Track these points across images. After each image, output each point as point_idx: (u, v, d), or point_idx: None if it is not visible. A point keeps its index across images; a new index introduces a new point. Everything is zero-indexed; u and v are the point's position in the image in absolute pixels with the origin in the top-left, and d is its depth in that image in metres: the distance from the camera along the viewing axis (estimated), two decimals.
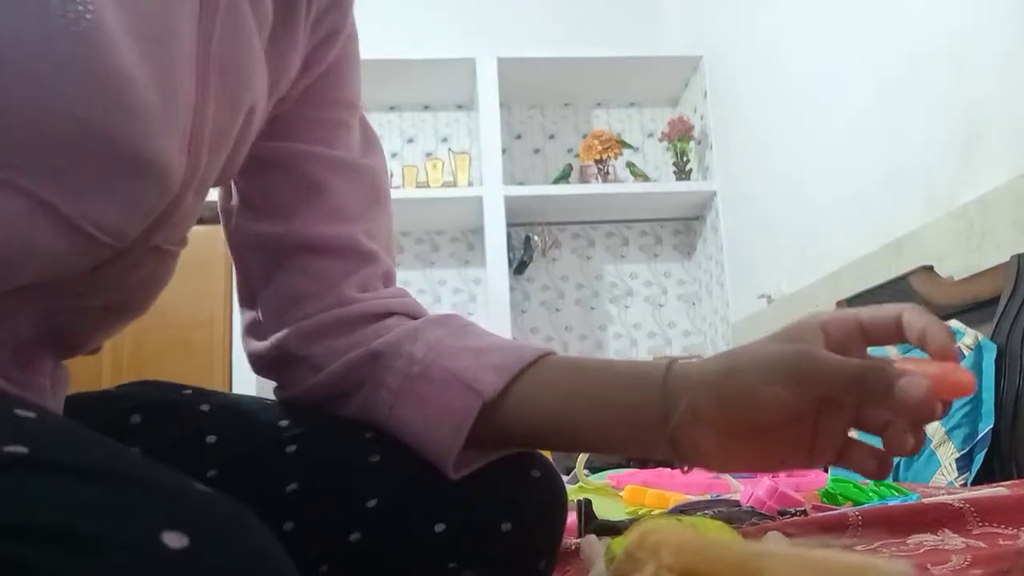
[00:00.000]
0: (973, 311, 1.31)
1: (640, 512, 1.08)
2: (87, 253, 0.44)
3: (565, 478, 1.36)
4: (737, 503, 0.99)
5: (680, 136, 2.96)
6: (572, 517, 0.86)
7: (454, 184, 2.91)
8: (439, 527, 0.54)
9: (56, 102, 0.40)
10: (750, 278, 2.62)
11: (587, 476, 1.39)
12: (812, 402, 0.43)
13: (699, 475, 1.45)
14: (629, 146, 3.12)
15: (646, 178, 3.06)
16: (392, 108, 3.15)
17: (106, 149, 0.42)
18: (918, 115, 1.72)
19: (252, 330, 0.64)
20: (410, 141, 3.19)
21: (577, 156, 3.10)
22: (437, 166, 2.93)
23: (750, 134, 2.60)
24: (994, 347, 1.17)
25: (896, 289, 1.54)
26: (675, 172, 2.99)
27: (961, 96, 1.58)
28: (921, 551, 0.62)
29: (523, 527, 0.55)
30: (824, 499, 1.01)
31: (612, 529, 0.80)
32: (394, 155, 3.12)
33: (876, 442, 0.44)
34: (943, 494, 0.87)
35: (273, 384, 0.64)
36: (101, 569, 0.25)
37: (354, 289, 0.60)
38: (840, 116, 1.99)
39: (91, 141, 0.41)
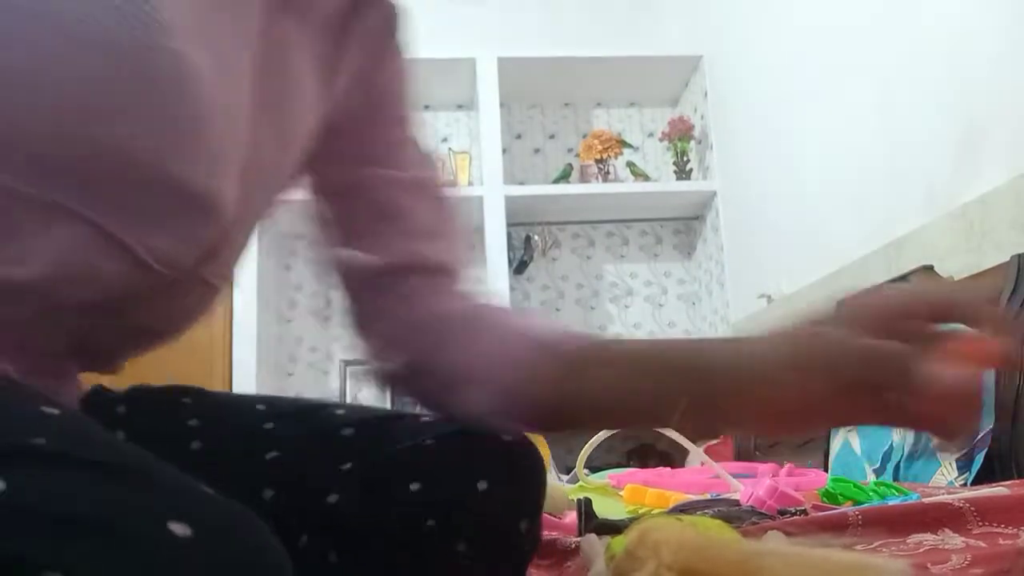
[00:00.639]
0: None
1: (640, 511, 1.08)
2: (142, 280, 0.47)
3: (565, 477, 1.36)
4: (737, 502, 0.99)
5: (680, 136, 2.95)
6: (572, 516, 0.86)
7: (454, 184, 2.91)
8: (414, 486, 0.54)
9: (132, 141, 0.43)
10: (750, 278, 2.62)
11: (587, 475, 1.39)
12: (836, 383, 0.42)
13: (699, 475, 1.45)
14: (629, 146, 3.11)
15: (646, 178, 3.06)
16: None
17: (169, 186, 0.46)
18: (918, 115, 1.72)
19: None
20: None
21: (577, 156, 3.09)
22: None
23: (750, 134, 2.60)
24: None
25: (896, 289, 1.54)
26: (675, 172, 2.99)
27: (961, 96, 1.58)
28: (921, 551, 0.62)
29: (499, 486, 0.55)
30: (824, 499, 1.01)
31: (612, 528, 0.80)
32: None
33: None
34: (943, 494, 0.87)
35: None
36: (114, 553, 0.27)
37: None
38: (840, 116, 1.99)
39: (157, 178, 0.45)
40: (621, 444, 2.72)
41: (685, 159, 2.98)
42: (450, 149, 3.10)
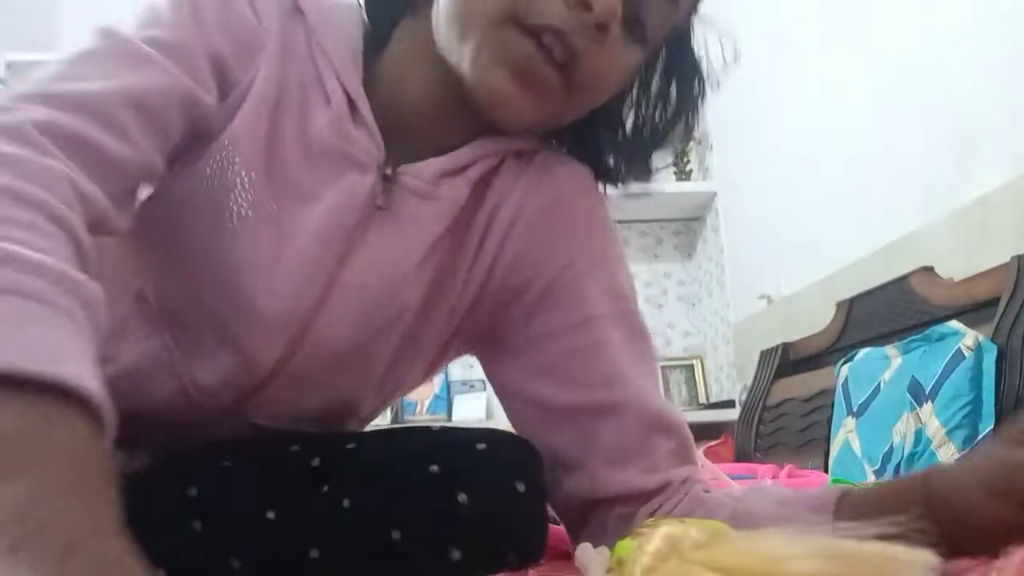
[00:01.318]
0: (973, 312, 1.31)
1: None
2: (182, 405, 0.61)
3: None
4: None
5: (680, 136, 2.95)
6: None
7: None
8: (363, 491, 0.56)
9: (220, 311, 0.59)
10: (750, 278, 2.62)
11: None
12: None
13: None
14: None
15: None
16: None
17: (228, 337, 0.59)
18: (918, 115, 1.72)
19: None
20: None
21: None
22: None
23: (750, 135, 2.60)
24: (994, 348, 1.17)
25: (896, 290, 1.54)
26: (675, 172, 2.99)
27: (961, 96, 1.58)
28: None
29: (495, 451, 0.57)
30: None
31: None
32: None
33: None
34: None
35: None
36: None
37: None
38: (840, 116, 1.99)
39: (221, 330, 0.59)
40: None
41: (685, 160, 2.97)
42: None
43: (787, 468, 1.31)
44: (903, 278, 1.51)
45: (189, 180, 0.58)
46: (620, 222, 3.07)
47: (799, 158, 2.21)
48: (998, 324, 1.19)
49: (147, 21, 0.57)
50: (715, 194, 2.88)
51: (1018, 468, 0.40)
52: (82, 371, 0.32)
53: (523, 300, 0.67)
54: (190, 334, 0.61)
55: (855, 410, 1.46)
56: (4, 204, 0.39)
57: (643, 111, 0.70)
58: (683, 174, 2.98)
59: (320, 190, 0.60)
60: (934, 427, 1.20)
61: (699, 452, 1.48)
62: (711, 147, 2.91)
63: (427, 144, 0.64)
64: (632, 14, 0.59)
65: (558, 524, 0.86)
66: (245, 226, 0.58)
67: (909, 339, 1.35)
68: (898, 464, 1.26)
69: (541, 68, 0.57)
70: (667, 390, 2.96)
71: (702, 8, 0.69)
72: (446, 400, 2.91)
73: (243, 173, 0.58)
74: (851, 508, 0.51)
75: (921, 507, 0.45)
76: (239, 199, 0.59)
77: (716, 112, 2.89)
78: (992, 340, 1.19)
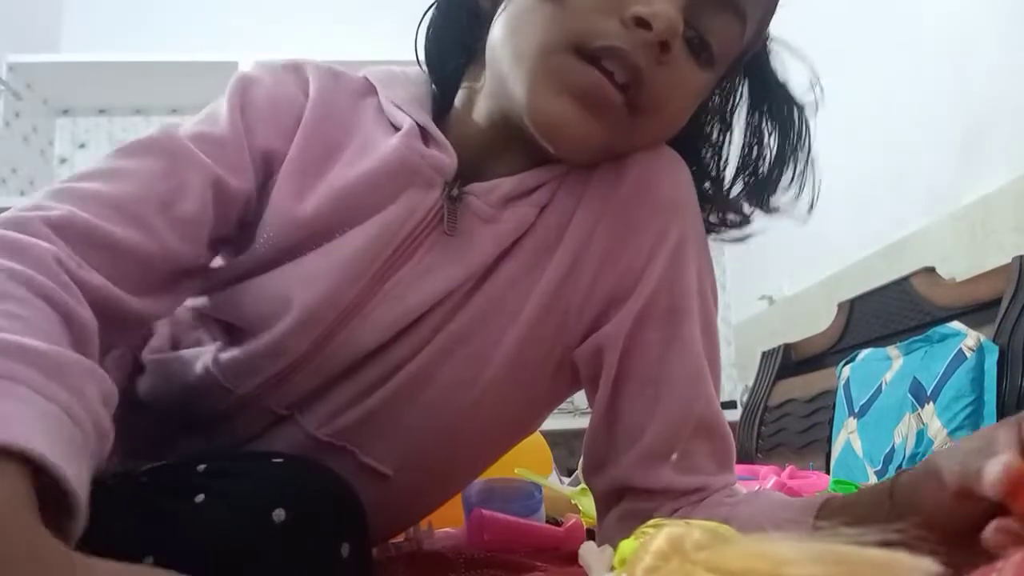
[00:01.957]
0: (975, 312, 1.31)
1: None
2: (212, 388, 0.62)
3: (567, 480, 1.35)
4: None
5: None
6: (574, 518, 0.86)
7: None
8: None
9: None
10: (751, 279, 2.62)
11: None
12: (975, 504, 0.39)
13: None
14: None
15: None
16: None
17: (260, 319, 0.61)
18: (920, 116, 1.72)
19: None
20: None
21: None
22: None
23: None
24: (996, 348, 1.17)
25: (898, 291, 1.54)
26: None
27: (963, 97, 1.58)
28: None
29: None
30: None
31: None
32: None
33: None
34: None
35: None
36: None
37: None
38: (841, 117, 1.99)
39: (255, 315, 0.61)
40: None
41: None
42: None
43: (788, 469, 1.31)
44: (905, 279, 1.51)
45: (245, 261, 0.62)
46: None
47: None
48: (999, 325, 1.19)
49: (203, 119, 0.62)
50: None
51: (966, 460, 0.38)
52: (13, 438, 0.33)
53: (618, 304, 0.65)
54: (229, 321, 0.64)
55: (857, 411, 1.46)
56: None
57: (727, 151, 0.68)
58: None
59: (382, 207, 0.61)
60: (936, 428, 1.20)
61: None
62: None
63: (494, 176, 0.64)
64: (695, 36, 0.58)
65: (559, 524, 0.86)
66: (296, 261, 0.62)
67: (911, 340, 1.36)
68: (900, 465, 1.26)
69: (605, 90, 0.56)
70: None
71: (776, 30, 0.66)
72: None
73: (286, 240, 0.61)
74: (829, 515, 0.51)
75: (889, 510, 0.45)
76: (289, 254, 0.61)
77: None
78: (993, 341, 1.19)
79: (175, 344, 0.68)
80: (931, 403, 1.23)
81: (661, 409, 0.62)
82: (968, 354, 1.20)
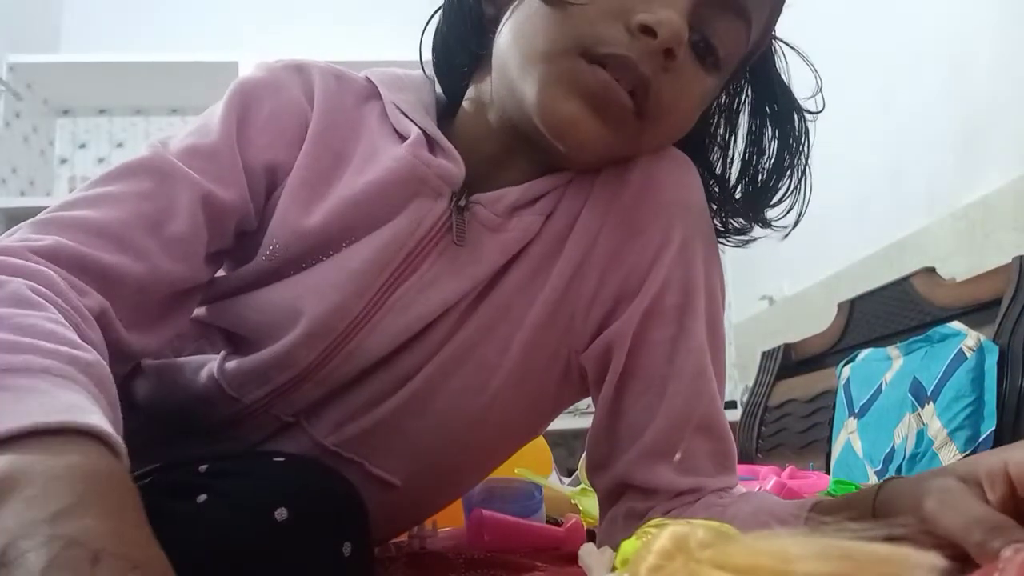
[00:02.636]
0: (975, 313, 1.31)
1: None
2: (217, 397, 0.61)
3: (567, 480, 1.35)
4: None
5: None
6: (574, 518, 0.86)
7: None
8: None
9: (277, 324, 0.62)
10: (752, 279, 2.62)
11: None
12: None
13: None
14: None
15: None
16: None
17: (268, 331, 0.61)
18: (920, 116, 1.72)
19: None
20: None
21: None
22: None
23: None
24: (996, 349, 1.17)
25: (898, 291, 1.54)
26: None
27: (963, 97, 1.58)
28: None
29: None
30: None
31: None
32: None
33: None
34: None
35: None
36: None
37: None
38: (841, 117, 1.99)
39: (262, 327, 0.61)
40: None
41: None
42: None
43: (789, 469, 1.31)
44: (905, 279, 1.51)
45: (249, 272, 0.62)
46: None
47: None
48: (1000, 325, 1.19)
49: (195, 129, 0.60)
50: None
51: (946, 498, 0.39)
52: (98, 420, 0.36)
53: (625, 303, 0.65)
54: (232, 330, 0.64)
55: (857, 411, 1.46)
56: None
57: (734, 151, 0.67)
58: None
59: (390, 217, 0.61)
60: (936, 428, 1.20)
61: None
62: None
63: (501, 185, 0.63)
64: (700, 40, 0.58)
65: (559, 524, 0.86)
66: (304, 272, 0.61)
67: (911, 340, 1.36)
68: (900, 465, 1.26)
69: (614, 91, 0.55)
70: None
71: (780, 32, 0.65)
72: None
73: (293, 251, 0.61)
74: (817, 517, 0.51)
75: (870, 516, 0.46)
76: (295, 265, 0.61)
77: None
78: (994, 341, 1.19)
79: (176, 351, 0.68)
80: (931, 403, 1.23)
81: (664, 407, 0.62)
82: (968, 354, 1.19)
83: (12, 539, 0.28)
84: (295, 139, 0.62)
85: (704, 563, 0.25)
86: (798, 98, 0.67)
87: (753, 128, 0.67)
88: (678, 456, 0.61)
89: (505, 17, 0.61)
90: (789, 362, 1.94)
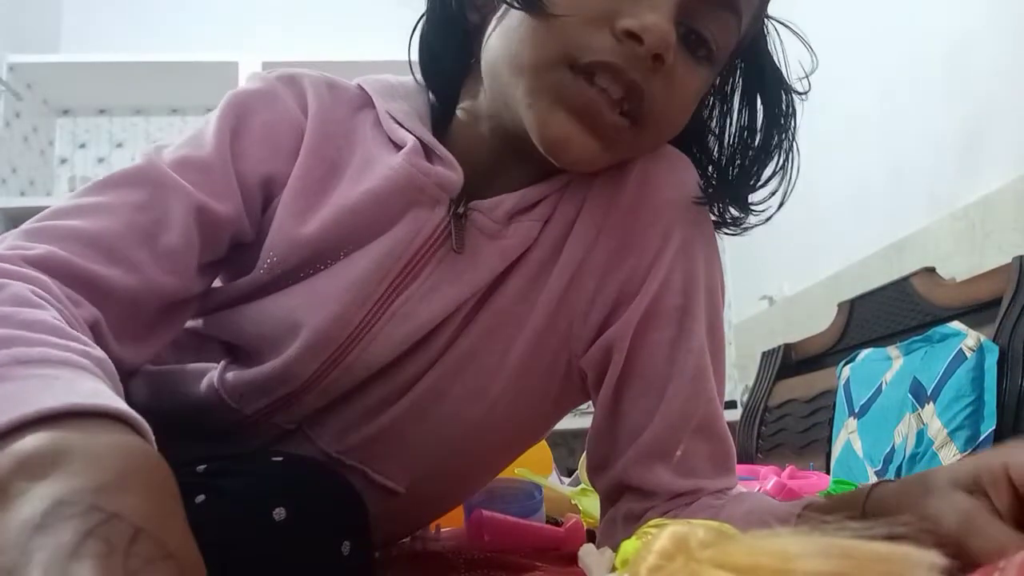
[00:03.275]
0: (975, 313, 1.31)
1: None
2: (217, 407, 0.62)
3: (567, 480, 1.35)
4: None
5: None
6: (574, 518, 0.86)
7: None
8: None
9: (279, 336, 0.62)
10: (752, 279, 2.62)
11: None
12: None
13: None
14: None
15: None
16: None
17: (269, 346, 0.61)
18: (920, 116, 1.72)
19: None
20: None
21: None
22: None
23: None
24: (996, 349, 1.17)
25: (898, 291, 1.54)
26: None
27: (963, 97, 1.58)
28: None
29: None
30: None
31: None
32: None
33: None
34: None
35: None
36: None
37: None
38: (841, 117, 1.99)
39: (263, 341, 0.61)
40: None
41: None
42: None
43: (789, 469, 1.31)
44: (905, 279, 1.51)
45: (247, 284, 0.61)
46: None
47: (800, 159, 2.21)
48: (1000, 325, 1.19)
49: (188, 141, 0.60)
50: None
51: (970, 523, 0.38)
52: (126, 406, 0.36)
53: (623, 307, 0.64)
54: (230, 341, 0.64)
55: (857, 411, 1.46)
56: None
57: (729, 133, 0.67)
58: None
59: (388, 226, 0.61)
60: (936, 428, 1.20)
61: None
62: None
63: (498, 191, 0.63)
64: (690, 33, 0.57)
65: (559, 524, 0.86)
66: (302, 283, 0.61)
67: (911, 340, 1.35)
68: (900, 465, 1.26)
69: (603, 111, 0.55)
70: None
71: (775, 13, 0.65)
72: None
73: (291, 262, 0.61)
74: (813, 515, 0.51)
75: (860, 518, 0.45)
76: (293, 276, 0.61)
77: None
78: (994, 341, 1.19)
79: (175, 359, 0.68)
80: (931, 403, 1.23)
81: (663, 408, 0.62)
82: (968, 354, 1.19)
83: (54, 504, 0.29)
84: (290, 150, 0.62)
85: (704, 563, 0.25)
86: (789, 78, 0.67)
87: (743, 108, 0.66)
88: (677, 457, 0.61)
89: (491, 27, 0.60)
90: (789, 362, 1.94)
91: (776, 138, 0.64)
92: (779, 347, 1.98)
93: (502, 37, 0.59)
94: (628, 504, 0.63)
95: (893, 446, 1.31)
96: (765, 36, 0.66)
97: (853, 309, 1.70)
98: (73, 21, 2.94)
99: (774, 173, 0.64)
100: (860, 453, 1.41)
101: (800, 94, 0.66)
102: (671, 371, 0.62)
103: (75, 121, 2.93)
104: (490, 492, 0.86)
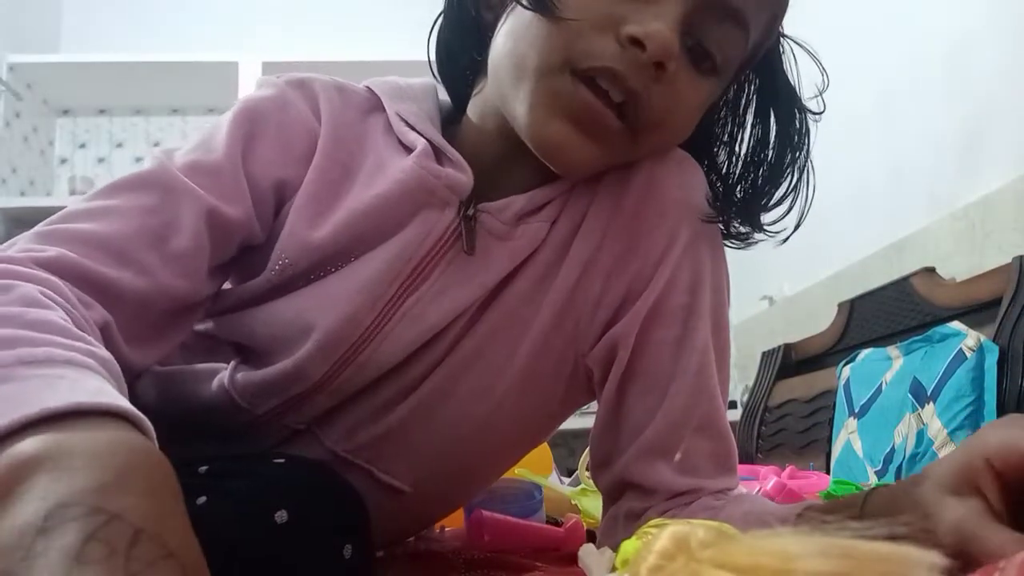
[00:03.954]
0: (975, 313, 1.31)
1: None
2: (227, 407, 0.62)
3: (567, 480, 1.35)
4: None
5: None
6: (574, 518, 0.86)
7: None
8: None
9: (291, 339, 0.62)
10: (752, 279, 2.62)
11: (589, 478, 1.39)
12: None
13: None
14: None
15: None
16: None
17: (280, 347, 0.61)
18: (920, 116, 1.72)
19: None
20: None
21: None
22: None
23: None
24: (996, 348, 1.17)
25: (898, 291, 1.54)
26: None
27: (963, 97, 1.58)
28: None
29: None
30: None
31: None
32: None
33: None
34: None
35: None
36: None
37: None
38: (841, 117, 1.99)
39: (274, 342, 0.61)
40: None
41: None
42: None
43: (789, 469, 1.31)
44: (905, 279, 1.51)
45: (258, 286, 0.62)
46: None
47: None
48: (1000, 325, 1.19)
49: (198, 145, 0.60)
50: None
51: (973, 530, 0.37)
52: (128, 404, 0.36)
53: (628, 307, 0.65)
54: (241, 343, 0.64)
55: (857, 411, 1.46)
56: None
57: (740, 148, 0.66)
58: None
59: (398, 228, 0.61)
60: (936, 428, 1.20)
61: None
62: None
63: (507, 192, 0.63)
64: (695, 45, 0.57)
65: (559, 524, 0.86)
66: (313, 285, 0.61)
67: (911, 340, 1.35)
68: (900, 465, 1.26)
69: (600, 113, 0.55)
70: None
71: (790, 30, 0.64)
72: None
73: (302, 265, 0.61)
74: (810, 517, 0.51)
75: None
76: (304, 278, 0.61)
77: None
78: (994, 341, 1.19)
79: (185, 361, 0.68)
80: (931, 403, 1.23)
81: (665, 406, 0.62)
82: (968, 354, 1.19)
83: (55, 506, 0.29)
84: (303, 155, 0.62)
85: (705, 563, 0.25)
86: (802, 96, 0.67)
87: (756, 125, 0.67)
88: (678, 456, 0.61)
89: (500, 23, 0.61)
90: (789, 362, 1.94)
91: (789, 157, 0.64)
92: (779, 347, 1.98)
93: (509, 37, 0.59)
94: (629, 502, 0.63)
95: (893, 446, 1.31)
96: (780, 54, 0.66)
97: (853, 309, 1.70)
98: (73, 21, 2.94)
99: (787, 193, 0.64)
100: (860, 453, 1.41)
101: (815, 114, 0.66)
102: (675, 369, 0.62)
103: (75, 121, 2.93)
104: (490, 492, 0.86)
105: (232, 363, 0.63)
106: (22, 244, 0.50)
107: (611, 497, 0.66)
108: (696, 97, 0.59)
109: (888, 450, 1.32)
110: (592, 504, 1.06)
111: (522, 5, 0.56)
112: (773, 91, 0.66)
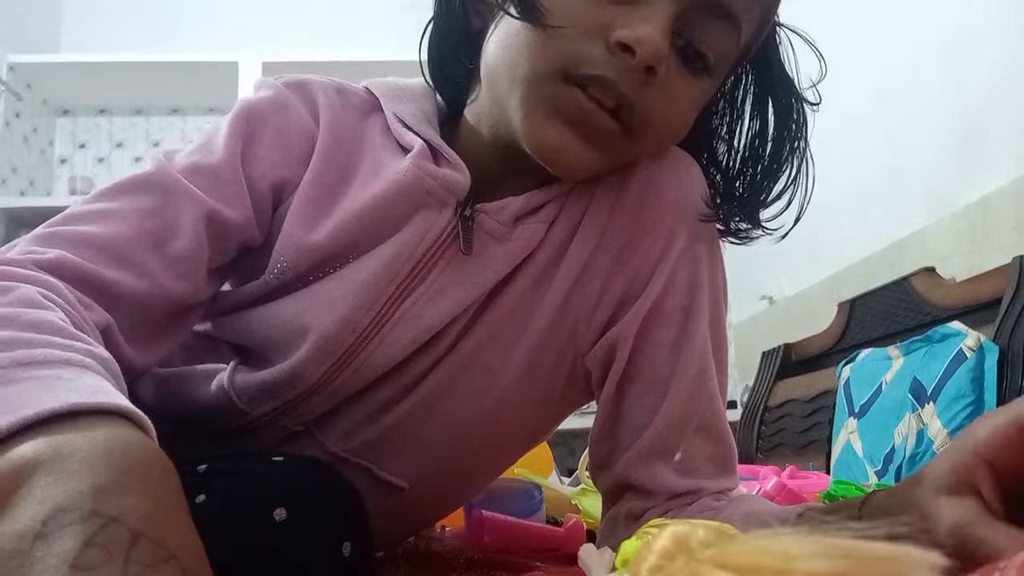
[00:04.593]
0: (975, 313, 1.31)
1: None
2: (226, 409, 0.62)
3: (567, 480, 1.35)
4: None
5: None
6: (574, 519, 0.86)
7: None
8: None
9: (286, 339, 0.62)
10: (752, 279, 2.62)
11: (588, 478, 1.39)
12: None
13: None
14: None
15: None
16: None
17: (277, 349, 0.61)
18: (920, 116, 1.72)
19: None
20: None
21: None
22: None
23: None
24: (996, 348, 1.17)
25: (898, 291, 1.54)
26: None
27: (963, 97, 1.58)
28: None
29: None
30: (826, 501, 1.01)
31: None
32: None
33: None
34: None
35: None
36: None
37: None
38: (841, 117, 1.99)
39: (272, 344, 0.61)
40: None
41: None
42: None
43: (789, 469, 1.31)
44: (905, 279, 1.51)
45: (256, 288, 0.62)
46: None
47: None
48: (1000, 324, 1.19)
49: (198, 147, 0.60)
50: None
51: (975, 534, 0.37)
52: (127, 402, 0.36)
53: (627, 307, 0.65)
54: (239, 344, 0.64)
55: (857, 411, 1.46)
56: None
57: (739, 140, 0.66)
58: None
59: (395, 229, 0.61)
60: (936, 428, 1.20)
61: None
62: None
63: (505, 193, 0.63)
64: (687, 45, 0.56)
65: (559, 524, 0.86)
66: (311, 287, 0.61)
67: (911, 340, 1.36)
68: (900, 465, 1.26)
69: (596, 116, 0.55)
70: None
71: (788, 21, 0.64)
72: None
73: (300, 267, 0.61)
74: (810, 517, 0.51)
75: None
76: (302, 280, 0.61)
77: None
78: (994, 341, 1.19)
79: (184, 361, 0.68)
80: (931, 403, 1.23)
81: (664, 407, 0.62)
82: (968, 354, 1.19)
83: (54, 511, 0.29)
84: (302, 156, 0.62)
85: (705, 563, 0.25)
86: (799, 87, 0.66)
87: (753, 115, 0.66)
88: (678, 457, 0.61)
89: (490, 31, 0.61)
90: (789, 362, 1.94)
91: (787, 147, 0.64)
92: (779, 347, 1.98)
93: (499, 45, 0.59)
94: (629, 503, 0.63)
95: (893, 446, 1.31)
96: (776, 44, 0.65)
97: (853, 309, 1.70)
98: (73, 21, 2.94)
99: (787, 186, 0.64)
100: (860, 453, 1.41)
101: (812, 104, 0.65)
102: (673, 370, 0.62)
103: (75, 121, 2.93)
104: (490, 492, 0.86)
105: (231, 364, 0.63)
106: (22, 246, 0.50)
107: (611, 498, 0.66)
108: (689, 97, 0.59)
109: (888, 450, 1.32)
110: (592, 504, 1.06)
111: (510, 15, 0.56)
112: (770, 81, 0.66)
